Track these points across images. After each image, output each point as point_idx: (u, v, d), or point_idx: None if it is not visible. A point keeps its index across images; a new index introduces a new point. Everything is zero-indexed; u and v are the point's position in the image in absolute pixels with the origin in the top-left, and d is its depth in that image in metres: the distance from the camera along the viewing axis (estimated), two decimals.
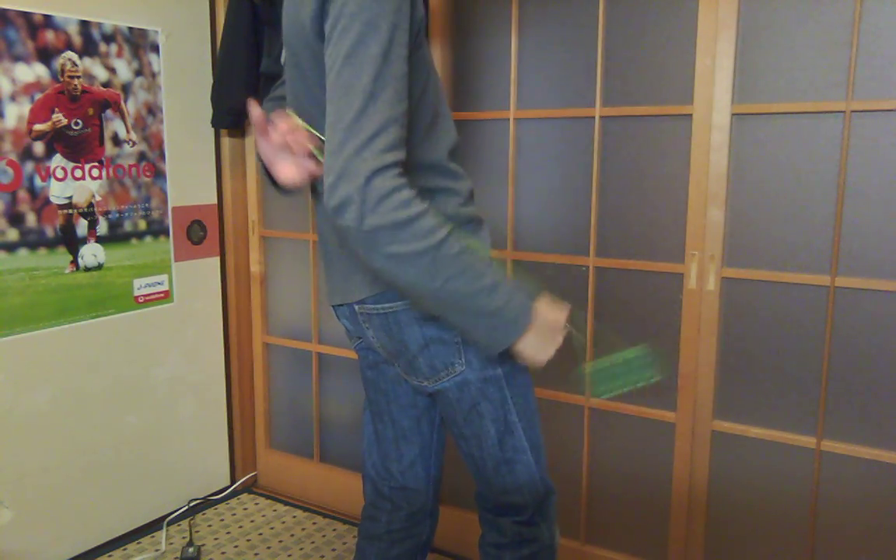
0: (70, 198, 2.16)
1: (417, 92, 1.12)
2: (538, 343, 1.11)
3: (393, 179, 0.98)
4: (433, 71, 1.17)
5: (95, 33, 2.17)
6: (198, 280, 2.56)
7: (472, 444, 1.26)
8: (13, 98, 2.01)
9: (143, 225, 2.36)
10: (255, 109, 1.11)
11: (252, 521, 2.52)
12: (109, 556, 2.30)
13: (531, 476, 1.27)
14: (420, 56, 1.12)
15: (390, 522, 1.42)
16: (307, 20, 1.08)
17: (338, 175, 0.97)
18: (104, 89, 2.22)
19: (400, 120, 1.01)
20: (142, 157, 2.34)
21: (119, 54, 2.24)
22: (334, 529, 2.46)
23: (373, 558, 1.42)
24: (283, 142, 1.12)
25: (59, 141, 2.12)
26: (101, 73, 2.20)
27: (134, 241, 2.34)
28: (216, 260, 2.62)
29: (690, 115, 1.82)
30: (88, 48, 2.16)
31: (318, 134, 1.14)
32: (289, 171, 1.13)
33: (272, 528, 2.47)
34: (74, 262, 2.19)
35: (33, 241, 2.09)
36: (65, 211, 2.15)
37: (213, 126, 2.51)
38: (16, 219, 2.05)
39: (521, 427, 1.25)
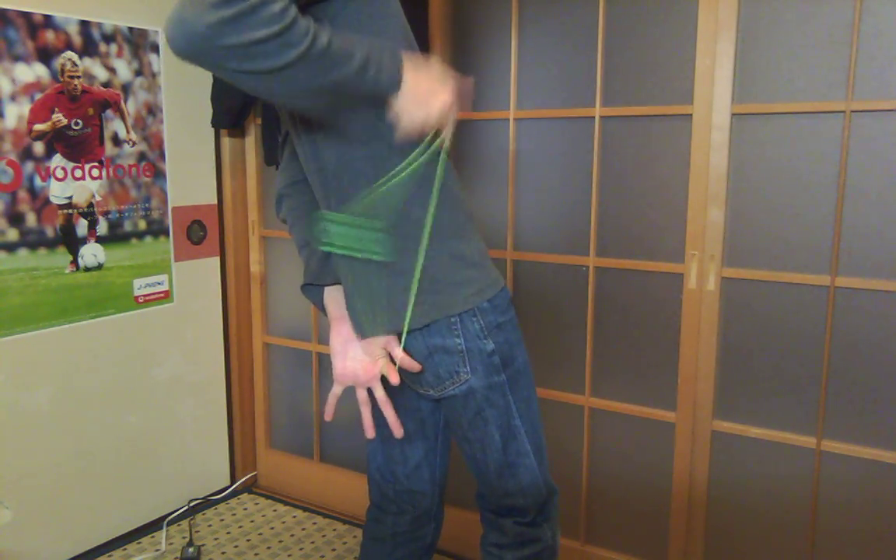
0: (70, 198, 2.16)
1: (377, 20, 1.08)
2: (414, 102, 1.05)
3: None
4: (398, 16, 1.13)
5: (95, 33, 2.17)
6: (198, 280, 2.56)
7: (476, 448, 1.25)
8: (13, 98, 2.01)
9: (143, 225, 2.36)
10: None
11: (252, 521, 2.52)
12: (109, 556, 2.30)
13: (534, 478, 1.27)
14: None
15: (395, 525, 1.41)
16: None
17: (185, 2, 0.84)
18: (104, 89, 2.22)
19: None
20: (142, 157, 2.34)
21: (119, 54, 2.24)
22: (334, 529, 2.46)
23: None
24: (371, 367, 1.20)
25: (59, 141, 2.12)
26: (101, 73, 2.20)
27: (134, 241, 2.34)
28: (216, 260, 2.62)
29: (690, 115, 1.82)
30: (88, 48, 2.16)
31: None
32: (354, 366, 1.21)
33: (272, 528, 2.47)
34: (74, 262, 2.19)
35: (33, 241, 2.09)
36: (65, 211, 2.15)
37: (213, 126, 2.51)
38: (16, 219, 2.05)
39: (524, 431, 1.24)
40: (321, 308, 1.30)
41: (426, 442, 1.37)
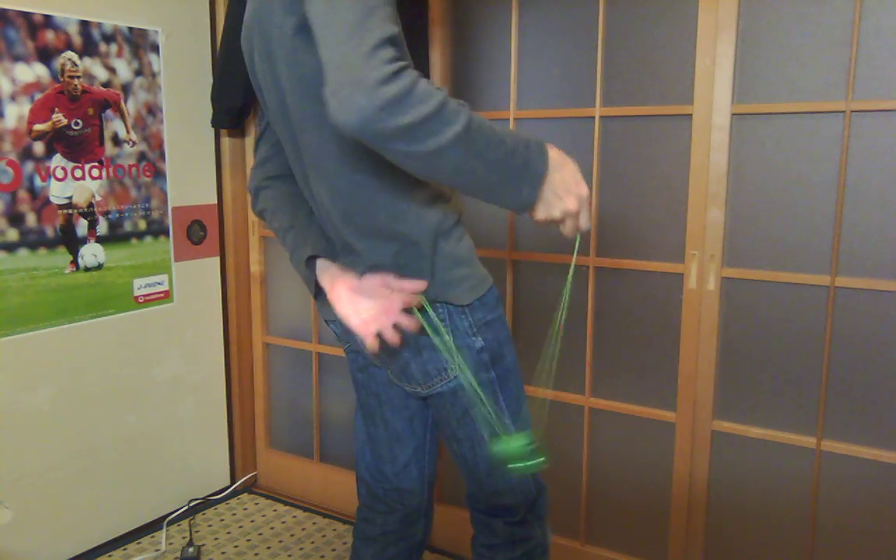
0: (70, 198, 2.16)
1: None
2: (553, 195, 1.07)
3: (409, 77, 0.91)
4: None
5: (95, 33, 2.17)
6: (198, 280, 2.56)
7: (465, 446, 1.26)
8: (13, 98, 2.01)
9: (143, 225, 2.36)
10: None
11: (252, 521, 2.52)
12: (109, 556, 2.30)
13: (523, 477, 1.27)
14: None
15: (385, 524, 1.42)
16: (280, 20, 1.06)
17: (352, 84, 0.89)
18: (104, 89, 2.22)
19: (397, 41, 0.95)
20: (142, 157, 2.34)
21: (119, 54, 2.24)
22: (334, 529, 2.46)
23: (368, 559, 1.42)
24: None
25: (59, 141, 2.12)
26: (101, 73, 2.20)
27: (134, 241, 2.34)
28: (216, 260, 2.62)
29: (690, 115, 1.82)
30: (88, 48, 2.16)
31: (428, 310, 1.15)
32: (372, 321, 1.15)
33: (272, 528, 2.47)
34: (74, 262, 2.19)
35: (33, 241, 2.09)
36: (65, 211, 2.15)
37: (213, 126, 2.51)
38: (16, 219, 2.05)
39: (514, 429, 1.24)
40: (315, 286, 1.25)
41: (415, 440, 1.37)
